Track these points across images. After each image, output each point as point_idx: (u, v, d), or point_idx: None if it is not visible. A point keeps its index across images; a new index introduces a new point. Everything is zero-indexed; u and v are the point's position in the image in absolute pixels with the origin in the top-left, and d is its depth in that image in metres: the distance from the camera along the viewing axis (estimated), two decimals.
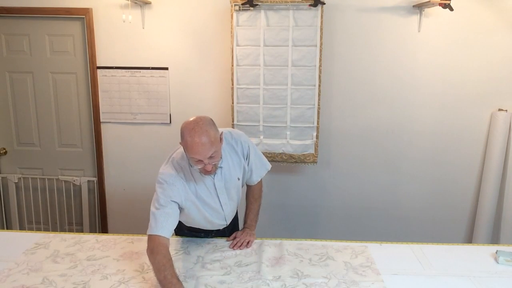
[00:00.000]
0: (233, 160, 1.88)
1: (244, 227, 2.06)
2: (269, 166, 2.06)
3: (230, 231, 2.08)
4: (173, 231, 1.74)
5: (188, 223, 1.97)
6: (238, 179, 1.92)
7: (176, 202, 1.74)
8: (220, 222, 1.98)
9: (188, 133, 1.61)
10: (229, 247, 1.94)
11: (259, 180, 2.07)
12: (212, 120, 1.69)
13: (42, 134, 3.26)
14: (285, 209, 3.23)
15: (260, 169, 2.02)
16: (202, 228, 2.00)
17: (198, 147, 1.59)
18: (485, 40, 2.87)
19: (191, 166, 1.71)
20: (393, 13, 2.86)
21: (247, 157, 1.93)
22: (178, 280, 1.58)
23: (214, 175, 1.80)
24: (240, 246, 1.94)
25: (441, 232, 3.18)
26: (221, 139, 1.70)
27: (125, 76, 3.07)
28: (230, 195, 1.92)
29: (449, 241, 2.86)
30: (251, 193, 2.09)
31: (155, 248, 1.63)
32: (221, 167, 1.81)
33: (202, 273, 1.71)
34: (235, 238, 2.00)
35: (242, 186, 2.05)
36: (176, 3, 2.93)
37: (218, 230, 2.08)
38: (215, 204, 1.88)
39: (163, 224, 1.67)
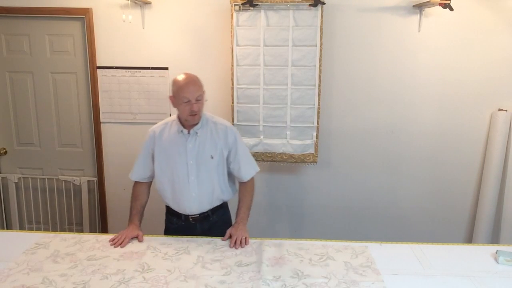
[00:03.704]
0: (212, 137, 2.06)
1: (236, 221, 2.09)
2: (257, 168, 2.21)
3: (221, 230, 2.08)
4: (145, 175, 2.17)
5: (159, 190, 2.14)
6: (212, 157, 2.04)
7: (148, 152, 2.12)
8: (189, 198, 2.04)
9: (180, 78, 1.97)
10: (230, 247, 1.95)
11: (249, 178, 2.17)
12: None
13: (42, 134, 3.26)
14: (285, 209, 3.23)
15: (249, 167, 2.16)
16: (173, 206, 2.12)
17: (189, 86, 1.94)
18: (485, 40, 2.87)
19: (170, 129, 2.07)
20: (393, 13, 2.86)
21: (231, 147, 2.09)
22: (135, 218, 2.08)
23: (188, 138, 2.03)
24: (240, 244, 1.95)
25: (441, 232, 3.18)
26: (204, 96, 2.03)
27: (125, 76, 3.07)
28: (200, 170, 2.03)
29: (449, 241, 2.85)
30: (244, 187, 2.18)
31: (133, 187, 2.19)
32: (196, 133, 2.04)
33: (202, 273, 1.71)
34: (230, 236, 2.00)
35: (230, 180, 2.17)
36: (176, 3, 2.93)
37: (202, 222, 2.12)
38: (182, 168, 2.03)
39: (134, 169, 2.17)
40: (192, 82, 1.96)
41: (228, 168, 2.14)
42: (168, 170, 2.06)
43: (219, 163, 2.08)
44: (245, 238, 1.98)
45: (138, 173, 2.17)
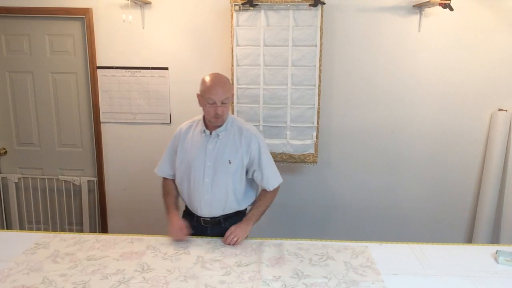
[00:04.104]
0: (234, 142, 2.02)
1: (243, 220, 2.05)
2: (281, 179, 2.14)
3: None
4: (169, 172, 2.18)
5: (178, 185, 2.15)
6: (230, 162, 1.99)
7: (173, 148, 2.13)
8: (200, 199, 2.01)
9: (209, 78, 1.95)
10: (222, 241, 1.97)
11: (272, 189, 2.11)
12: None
13: (42, 134, 3.26)
14: (285, 209, 3.23)
15: (273, 177, 2.09)
16: (188, 204, 2.12)
17: (216, 88, 1.91)
18: (485, 40, 2.87)
19: (195, 128, 2.07)
20: (393, 13, 2.86)
21: (254, 156, 2.03)
22: (171, 208, 2.07)
23: (209, 139, 2.01)
24: (230, 242, 1.95)
25: (441, 232, 3.18)
26: (232, 98, 2.00)
27: (125, 76, 3.07)
28: (216, 174, 1.99)
29: (449, 241, 2.86)
30: (263, 192, 2.14)
31: (162, 182, 2.21)
32: (218, 135, 2.01)
33: (202, 273, 1.71)
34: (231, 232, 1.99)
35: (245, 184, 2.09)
36: (176, 3, 2.93)
37: (213, 227, 2.08)
38: (199, 169, 2.00)
39: (160, 164, 2.19)
40: (220, 84, 1.93)
41: (252, 176, 2.09)
42: (186, 168, 2.05)
43: (237, 170, 2.02)
44: (236, 239, 1.95)
45: (163, 170, 2.18)
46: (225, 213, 2.07)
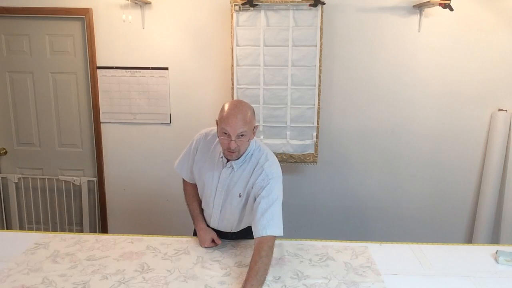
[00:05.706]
0: (248, 175, 1.81)
1: None
2: (276, 232, 1.71)
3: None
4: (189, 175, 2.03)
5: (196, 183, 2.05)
6: (240, 195, 1.84)
7: (191, 154, 1.96)
8: (210, 213, 1.96)
9: (228, 106, 1.72)
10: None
11: (263, 236, 1.68)
12: (254, 110, 1.79)
13: (42, 134, 3.26)
14: (285, 209, 3.16)
15: (263, 223, 1.69)
16: (204, 211, 2.03)
17: (233, 119, 1.67)
18: (485, 40, 2.87)
19: (216, 146, 1.87)
20: (393, 13, 2.86)
21: (257, 193, 1.77)
22: (197, 220, 2.00)
23: (223, 168, 1.84)
24: None
25: (441, 232, 3.18)
26: (254, 132, 1.77)
27: (125, 76, 3.07)
28: (226, 201, 1.89)
29: (449, 241, 2.86)
30: (256, 248, 1.68)
31: (183, 183, 2.10)
32: (232, 167, 1.82)
33: (202, 274, 1.71)
34: None
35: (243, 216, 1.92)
36: (176, 3, 2.93)
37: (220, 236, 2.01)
38: (211, 190, 1.89)
39: (179, 162, 2.03)
40: (239, 115, 1.67)
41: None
42: (200, 181, 1.95)
43: (246, 204, 1.85)
44: None
45: (182, 170, 2.03)
46: (234, 231, 2.00)
